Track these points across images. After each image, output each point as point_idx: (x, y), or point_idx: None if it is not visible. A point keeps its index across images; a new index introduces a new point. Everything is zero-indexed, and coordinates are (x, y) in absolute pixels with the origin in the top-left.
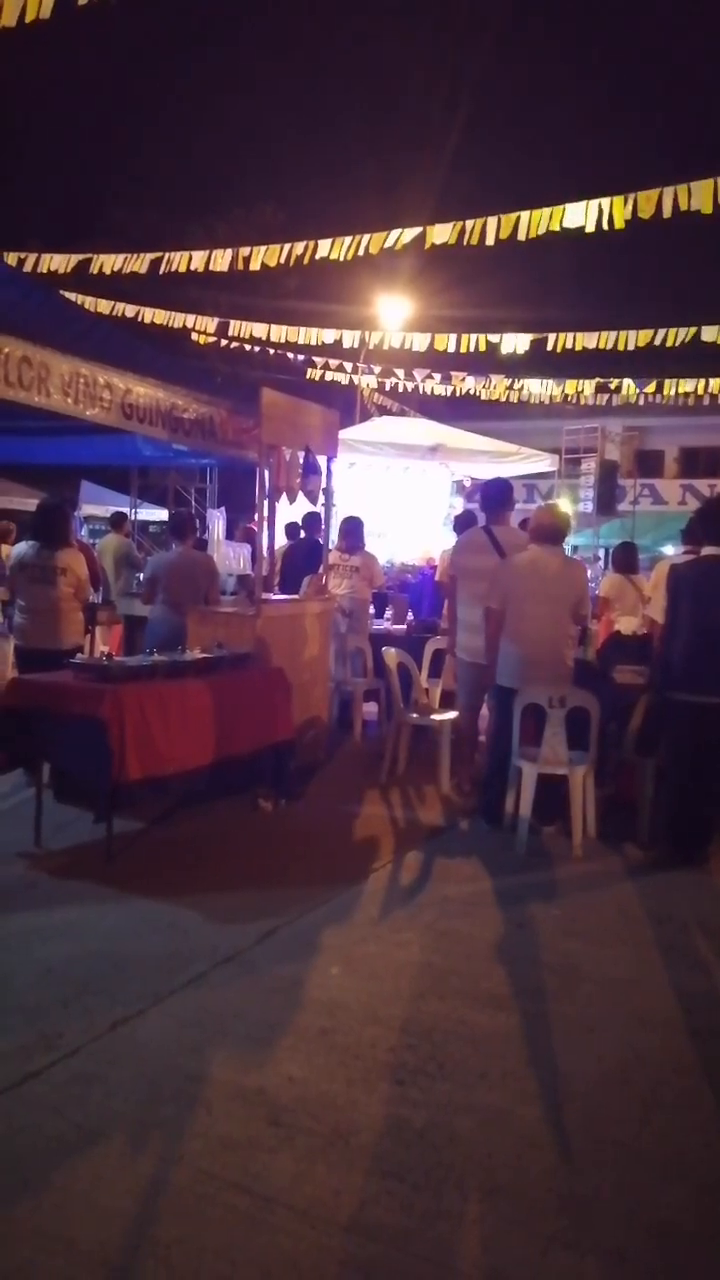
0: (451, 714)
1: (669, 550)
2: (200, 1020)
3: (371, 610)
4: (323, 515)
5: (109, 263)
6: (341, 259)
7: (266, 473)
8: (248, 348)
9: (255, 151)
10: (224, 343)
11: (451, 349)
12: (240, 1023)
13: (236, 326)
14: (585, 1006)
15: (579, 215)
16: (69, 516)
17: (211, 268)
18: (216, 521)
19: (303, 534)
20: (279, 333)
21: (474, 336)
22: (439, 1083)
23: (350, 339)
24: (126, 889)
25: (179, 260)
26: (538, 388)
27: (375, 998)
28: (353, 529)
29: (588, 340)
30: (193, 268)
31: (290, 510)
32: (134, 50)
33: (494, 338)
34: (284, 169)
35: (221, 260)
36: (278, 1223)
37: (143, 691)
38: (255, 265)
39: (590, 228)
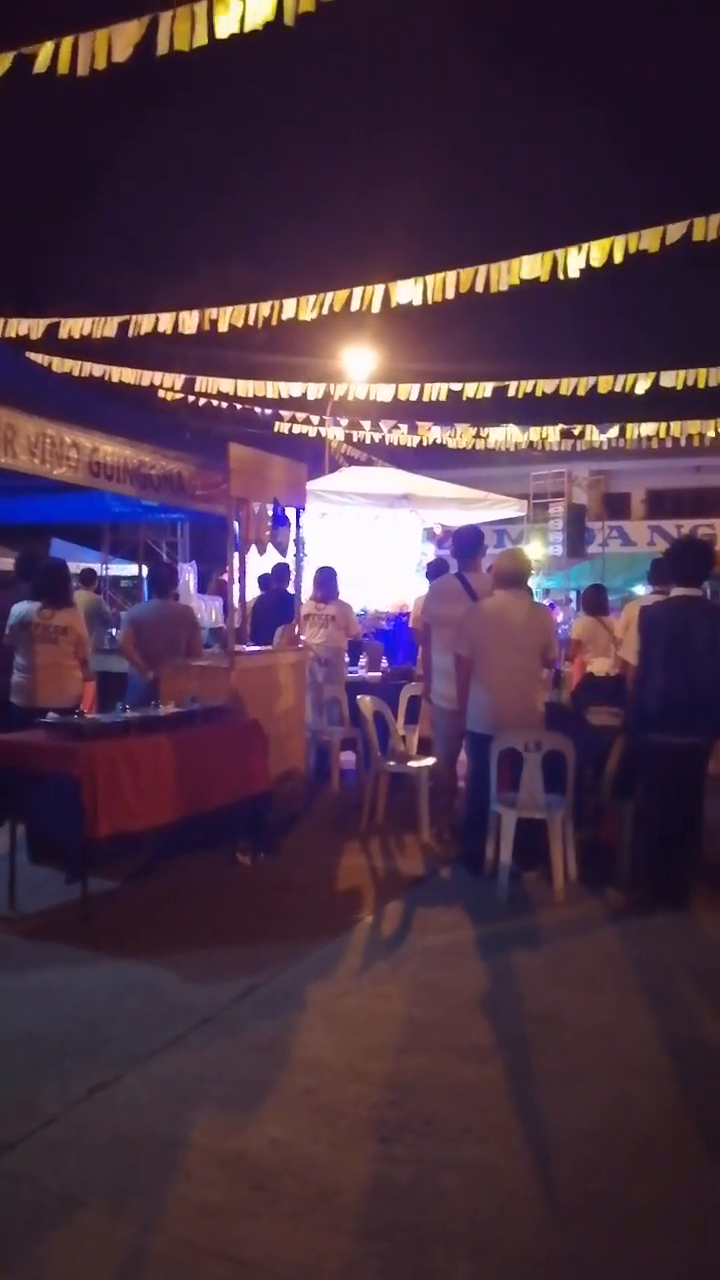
0: (429, 761)
1: (640, 591)
2: (179, 1083)
3: (346, 658)
4: (293, 566)
5: (77, 327)
6: (308, 317)
7: (236, 526)
8: (215, 403)
9: (221, 209)
10: (191, 399)
11: (415, 398)
12: (220, 1084)
13: (203, 383)
14: (570, 1056)
15: (535, 267)
16: (70, 576)
17: (180, 329)
18: (188, 575)
19: (274, 585)
20: (246, 387)
21: (437, 386)
22: (423, 1139)
23: (316, 392)
24: (103, 950)
25: (146, 323)
26: (503, 435)
27: (357, 1054)
28: (327, 579)
29: (548, 386)
30: (160, 329)
31: (261, 562)
32: (99, 111)
33: (456, 386)
34: (249, 226)
35: (189, 322)
36: None
37: (116, 748)
38: (223, 326)
39: (545, 277)
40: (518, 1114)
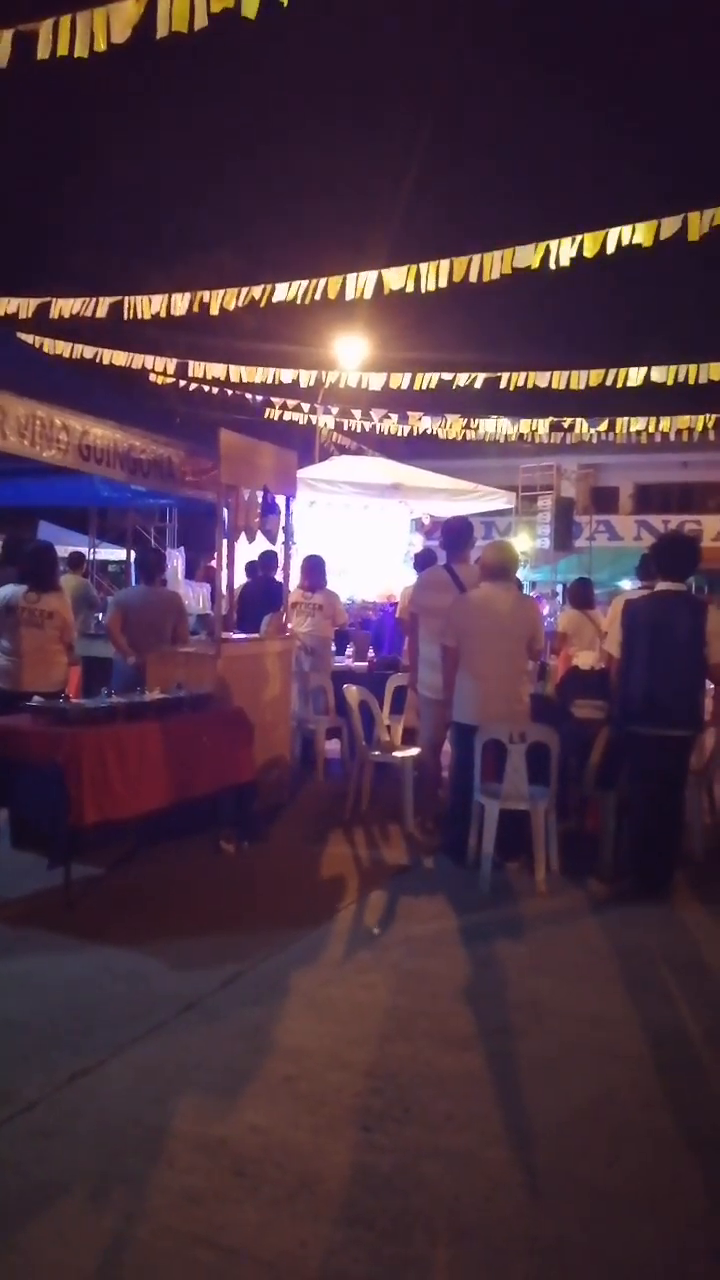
0: (414, 751)
1: (626, 585)
2: (163, 1070)
3: (333, 648)
4: (281, 554)
5: (68, 307)
6: (299, 302)
7: (225, 512)
8: (206, 389)
9: (213, 196)
10: (182, 383)
11: (405, 386)
12: (203, 1072)
13: (195, 367)
14: (552, 1044)
15: (527, 256)
16: (57, 560)
17: (171, 312)
18: (176, 561)
19: (260, 572)
20: (237, 373)
21: (428, 376)
22: (406, 1127)
23: (307, 379)
24: (87, 937)
25: (139, 304)
26: (493, 427)
27: (340, 1041)
28: (314, 567)
29: (540, 379)
30: (153, 311)
31: (250, 549)
32: (93, 98)
33: (447, 376)
34: (241, 213)
35: (180, 304)
36: (242, 1276)
37: (101, 735)
38: (215, 310)
39: (535, 265)
40: (500, 1102)
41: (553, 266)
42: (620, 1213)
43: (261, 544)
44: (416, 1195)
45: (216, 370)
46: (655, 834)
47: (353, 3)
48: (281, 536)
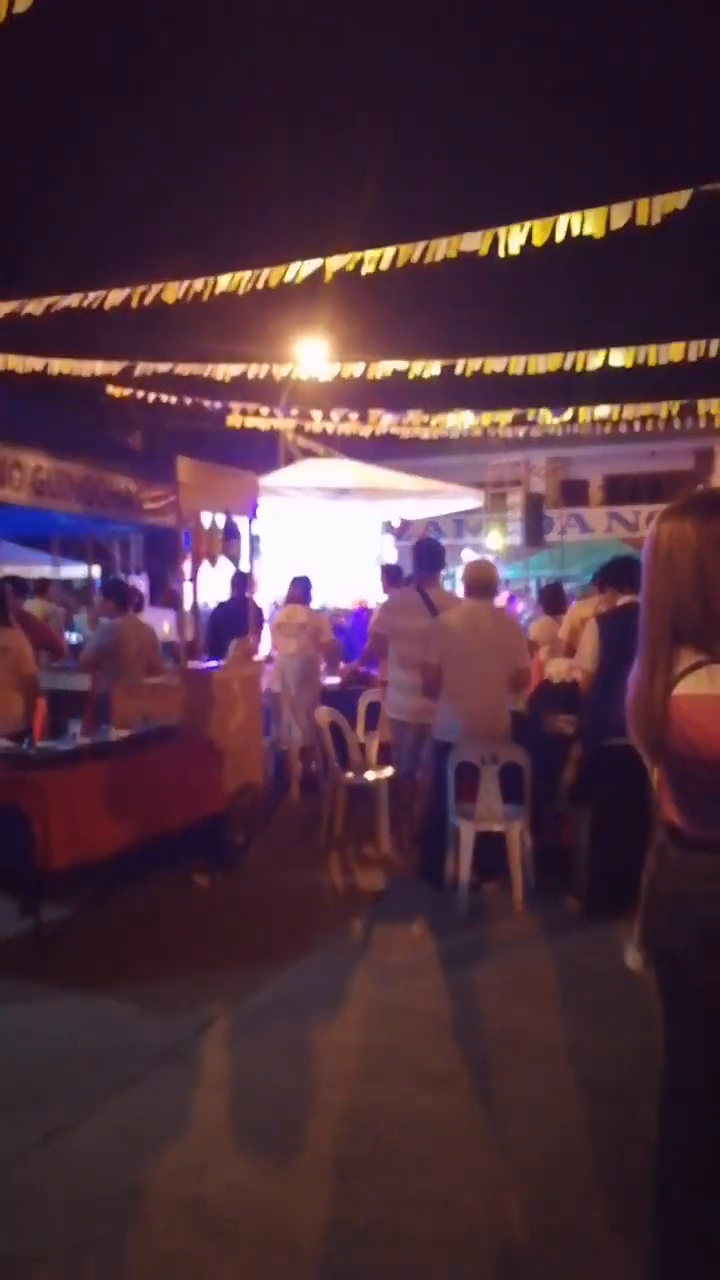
0: (388, 770)
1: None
2: (136, 1127)
3: (323, 666)
4: (249, 571)
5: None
6: (241, 293)
7: (188, 538)
8: (165, 398)
9: (160, 186)
10: (140, 395)
11: (358, 375)
12: (177, 1126)
13: (146, 368)
14: (529, 1079)
15: (475, 241)
16: (8, 595)
17: (106, 306)
18: (140, 586)
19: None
20: (199, 374)
21: (384, 365)
22: (382, 1175)
23: (257, 371)
24: (57, 984)
25: (92, 303)
26: (456, 420)
27: (316, 1086)
28: (299, 588)
29: (497, 365)
30: (87, 305)
31: (215, 572)
32: (38, 99)
33: (401, 365)
34: (194, 209)
35: (116, 298)
36: None
37: (66, 778)
38: (167, 299)
39: (484, 251)
40: (476, 1144)
41: (502, 255)
42: (599, 1258)
43: (228, 567)
44: (392, 1249)
45: (170, 370)
46: (632, 848)
47: None
48: (247, 558)
